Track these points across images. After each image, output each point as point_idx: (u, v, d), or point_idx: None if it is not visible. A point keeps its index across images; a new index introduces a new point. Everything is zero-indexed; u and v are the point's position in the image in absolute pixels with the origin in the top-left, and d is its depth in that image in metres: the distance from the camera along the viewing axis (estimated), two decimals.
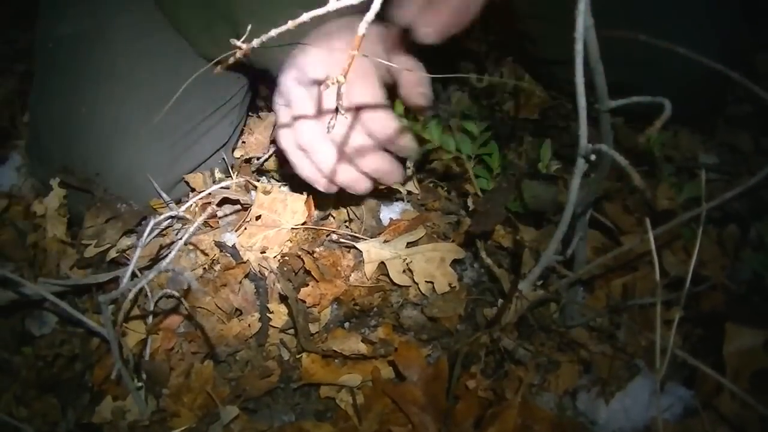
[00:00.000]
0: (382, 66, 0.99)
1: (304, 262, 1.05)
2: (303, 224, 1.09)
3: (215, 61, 0.85)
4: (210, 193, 1.08)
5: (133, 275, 0.92)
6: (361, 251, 1.07)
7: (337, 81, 0.63)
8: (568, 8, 0.60)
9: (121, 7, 1.15)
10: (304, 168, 1.00)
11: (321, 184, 1.00)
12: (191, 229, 0.83)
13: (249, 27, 0.80)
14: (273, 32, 0.68)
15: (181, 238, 0.83)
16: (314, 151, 0.98)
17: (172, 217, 1.04)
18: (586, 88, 0.64)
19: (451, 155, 1.07)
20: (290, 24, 0.65)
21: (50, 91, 1.17)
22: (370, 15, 0.57)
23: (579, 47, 0.61)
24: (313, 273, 1.03)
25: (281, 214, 1.10)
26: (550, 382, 0.94)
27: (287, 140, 1.01)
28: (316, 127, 0.98)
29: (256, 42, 0.70)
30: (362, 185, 1.01)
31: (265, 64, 1.06)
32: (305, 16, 0.65)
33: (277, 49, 1.01)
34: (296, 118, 0.99)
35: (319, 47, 0.98)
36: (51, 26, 1.19)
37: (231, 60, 0.74)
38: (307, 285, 1.04)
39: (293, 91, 0.99)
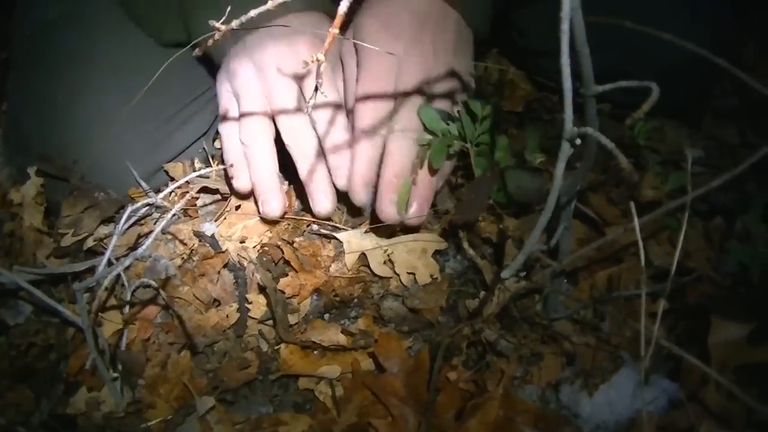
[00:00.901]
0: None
1: (283, 253, 1.03)
2: (283, 214, 1.07)
3: (193, 43, 0.84)
4: (189, 182, 1.06)
5: (110, 263, 0.90)
6: (341, 242, 1.06)
7: (317, 59, 0.61)
8: None
9: None
10: (230, 151, 1.05)
11: (239, 181, 1.05)
12: (168, 216, 0.82)
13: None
14: (253, 13, 0.67)
15: (160, 229, 0.82)
16: (252, 148, 1.03)
17: (149, 204, 1.03)
18: (572, 73, 0.62)
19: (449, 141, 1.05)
20: (266, 6, 0.64)
21: (28, 77, 1.15)
22: None
23: (565, 27, 0.59)
24: (292, 263, 1.02)
25: None
26: (532, 374, 0.92)
27: (229, 129, 1.06)
28: (262, 125, 1.03)
29: (235, 23, 0.69)
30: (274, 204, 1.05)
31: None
32: (271, 4, 0.64)
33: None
34: (244, 114, 1.04)
35: (277, 43, 1.01)
36: (30, 12, 1.18)
37: (210, 42, 0.73)
38: (287, 275, 1.02)
39: (246, 83, 1.03)
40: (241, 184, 1.04)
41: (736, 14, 1.19)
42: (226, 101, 1.07)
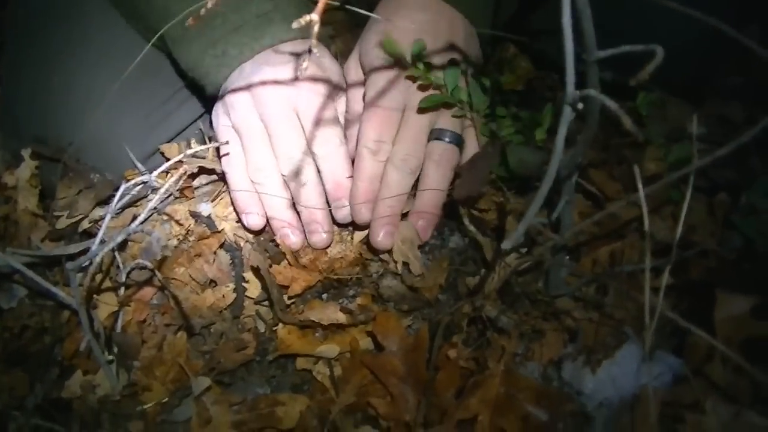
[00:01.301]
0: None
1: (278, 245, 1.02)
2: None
3: (184, 14, 0.84)
4: (184, 162, 1.05)
5: (103, 242, 0.89)
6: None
7: (311, 20, 0.60)
8: None
9: None
10: (238, 186, 1.03)
11: (251, 219, 1.03)
12: (162, 190, 0.80)
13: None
14: None
15: (153, 205, 0.81)
16: (265, 185, 1.01)
17: (144, 183, 1.01)
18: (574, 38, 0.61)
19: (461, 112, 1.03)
20: None
21: (23, 60, 1.15)
22: None
23: None
24: (287, 256, 1.01)
25: None
26: (534, 351, 0.91)
27: (234, 165, 1.03)
28: (270, 160, 1.01)
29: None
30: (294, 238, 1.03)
31: (202, 78, 1.06)
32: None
33: (215, 65, 1.02)
34: (249, 150, 1.02)
35: (276, 72, 1.00)
36: None
37: (202, 11, 0.72)
38: (282, 260, 1.01)
39: (246, 118, 1.01)
40: (253, 222, 1.02)
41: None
42: (226, 136, 1.04)
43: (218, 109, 1.05)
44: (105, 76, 1.07)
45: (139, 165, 1.08)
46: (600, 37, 0.62)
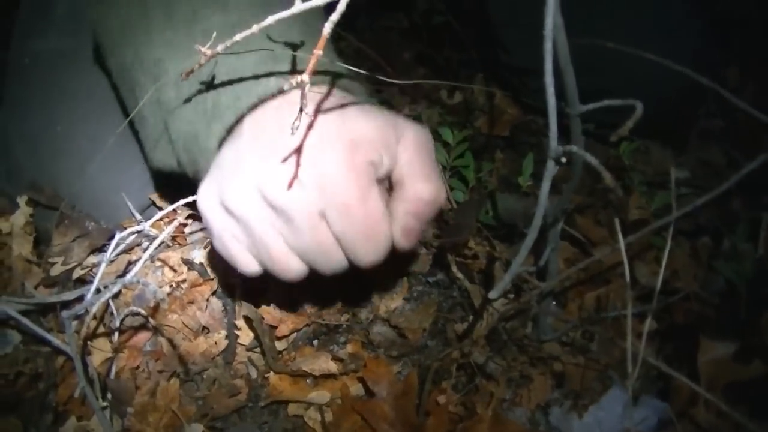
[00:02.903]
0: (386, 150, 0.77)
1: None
2: None
3: (184, 71, 0.85)
4: (177, 210, 1.06)
5: (98, 291, 0.90)
6: None
7: (302, 81, 0.62)
8: (544, 14, 0.59)
9: None
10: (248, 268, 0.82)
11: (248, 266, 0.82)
12: (156, 242, 0.82)
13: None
14: (238, 37, 0.67)
15: (147, 253, 0.82)
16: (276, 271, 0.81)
17: (138, 232, 1.02)
18: (557, 93, 0.63)
19: None
20: (252, 30, 0.65)
21: (25, 106, 1.15)
22: (336, 15, 0.56)
23: (548, 46, 0.60)
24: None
25: None
26: (522, 396, 0.92)
27: (239, 255, 0.81)
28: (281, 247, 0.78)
29: (221, 47, 0.69)
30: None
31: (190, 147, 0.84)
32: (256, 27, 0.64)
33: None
34: (256, 236, 0.77)
35: (276, 155, 0.73)
36: (29, 42, 1.17)
37: (195, 67, 0.72)
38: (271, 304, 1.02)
39: (249, 210, 0.75)
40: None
41: (720, 40, 1.20)
42: (223, 230, 0.80)
43: (211, 201, 0.80)
44: (109, 126, 1.07)
45: (137, 215, 1.09)
46: (581, 84, 0.64)
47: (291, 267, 0.79)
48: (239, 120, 0.77)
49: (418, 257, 1.05)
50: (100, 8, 0.90)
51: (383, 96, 1.35)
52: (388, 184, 0.81)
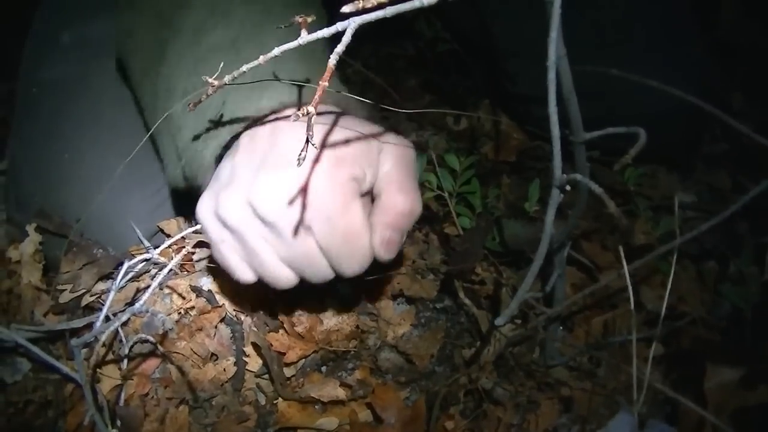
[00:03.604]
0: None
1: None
2: None
3: (187, 100, 0.85)
4: (185, 238, 1.07)
5: (107, 319, 0.91)
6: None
7: (308, 112, 0.62)
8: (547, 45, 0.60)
9: (110, 55, 1.13)
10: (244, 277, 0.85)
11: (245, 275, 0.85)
12: (165, 270, 0.83)
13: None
14: (244, 67, 0.68)
15: (156, 282, 0.82)
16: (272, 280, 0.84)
17: (146, 260, 1.03)
18: (561, 121, 0.64)
19: (433, 193, 1.07)
20: (259, 61, 0.65)
21: (32, 135, 1.16)
22: (341, 47, 0.57)
23: (551, 76, 0.61)
24: (285, 325, 1.03)
25: None
26: (529, 421, 0.92)
27: (238, 267, 0.85)
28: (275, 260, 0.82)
29: (228, 78, 0.70)
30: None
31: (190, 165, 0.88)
32: (262, 59, 0.65)
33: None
34: (249, 247, 0.81)
35: (276, 169, 0.77)
36: (36, 70, 1.19)
37: (203, 97, 0.73)
38: (280, 330, 1.03)
39: (244, 223, 0.79)
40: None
41: (725, 68, 1.21)
42: (220, 241, 0.84)
43: (207, 212, 0.83)
44: (116, 154, 1.07)
45: (146, 242, 1.09)
46: (586, 111, 0.64)
47: (282, 276, 0.83)
48: (236, 136, 0.82)
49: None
50: (126, 18, 0.97)
51: (390, 123, 1.36)
52: (371, 198, 0.84)
